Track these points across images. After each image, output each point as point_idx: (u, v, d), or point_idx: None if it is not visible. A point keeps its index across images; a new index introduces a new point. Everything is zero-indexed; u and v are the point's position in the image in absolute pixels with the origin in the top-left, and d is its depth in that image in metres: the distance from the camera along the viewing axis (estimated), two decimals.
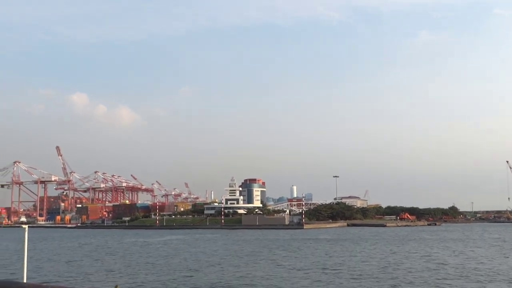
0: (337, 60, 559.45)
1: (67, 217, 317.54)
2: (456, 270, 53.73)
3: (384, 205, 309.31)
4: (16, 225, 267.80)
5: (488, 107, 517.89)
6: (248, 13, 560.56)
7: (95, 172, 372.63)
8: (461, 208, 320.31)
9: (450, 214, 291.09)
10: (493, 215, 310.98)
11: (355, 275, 50.46)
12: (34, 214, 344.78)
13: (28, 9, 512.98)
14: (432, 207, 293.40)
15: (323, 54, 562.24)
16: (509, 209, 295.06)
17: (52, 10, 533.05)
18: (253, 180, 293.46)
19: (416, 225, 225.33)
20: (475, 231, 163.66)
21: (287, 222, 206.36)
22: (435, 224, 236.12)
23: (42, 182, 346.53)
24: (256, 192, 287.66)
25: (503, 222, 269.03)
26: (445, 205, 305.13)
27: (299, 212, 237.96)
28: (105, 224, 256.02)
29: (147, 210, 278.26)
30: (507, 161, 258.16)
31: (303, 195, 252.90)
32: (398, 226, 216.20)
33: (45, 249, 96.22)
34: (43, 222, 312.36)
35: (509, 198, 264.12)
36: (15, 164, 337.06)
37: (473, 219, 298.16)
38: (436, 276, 48.85)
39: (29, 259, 70.46)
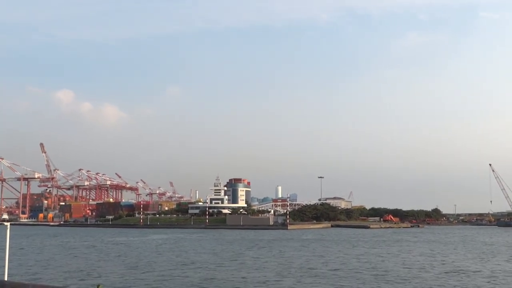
0: (329, 60, 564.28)
1: (50, 215, 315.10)
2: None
3: (368, 207, 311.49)
4: None
5: (475, 109, 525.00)
6: (242, 15, 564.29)
7: (79, 169, 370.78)
8: (444, 210, 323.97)
9: (433, 216, 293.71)
10: (475, 218, 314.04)
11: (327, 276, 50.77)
12: (17, 211, 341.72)
13: (16, 9, 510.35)
14: (415, 209, 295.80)
15: (316, 55, 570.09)
16: (491, 212, 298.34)
17: (41, 11, 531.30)
18: (238, 180, 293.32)
19: (399, 227, 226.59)
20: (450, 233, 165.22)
21: (271, 223, 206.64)
22: (418, 226, 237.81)
23: (25, 179, 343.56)
24: (241, 192, 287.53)
25: (485, 224, 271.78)
26: (429, 207, 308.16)
27: (284, 213, 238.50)
28: (89, 223, 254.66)
29: (131, 209, 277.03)
30: (490, 164, 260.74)
31: (288, 196, 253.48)
32: (381, 227, 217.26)
33: (27, 247, 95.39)
34: (25, 220, 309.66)
35: (491, 201, 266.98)
36: None
37: (456, 221, 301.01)
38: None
39: (10, 257, 69.86)
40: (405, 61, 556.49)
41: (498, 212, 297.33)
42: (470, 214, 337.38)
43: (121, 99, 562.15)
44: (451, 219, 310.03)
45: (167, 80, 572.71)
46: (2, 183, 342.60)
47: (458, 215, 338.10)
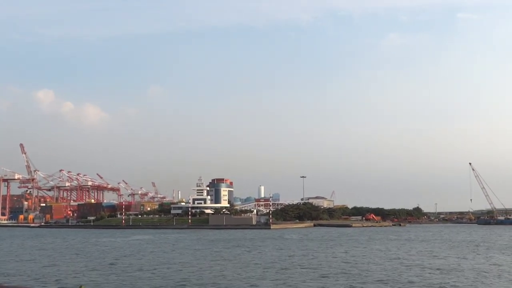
0: (315, 60, 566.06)
1: (31, 216, 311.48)
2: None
3: (350, 206, 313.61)
4: None
5: (456, 108, 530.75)
6: (228, 15, 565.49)
7: (60, 170, 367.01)
8: (425, 209, 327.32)
9: (414, 215, 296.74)
10: (455, 216, 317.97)
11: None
12: None
13: None
14: (397, 208, 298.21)
15: (302, 56, 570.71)
16: (471, 210, 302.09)
17: (21, 9, 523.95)
18: (221, 180, 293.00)
19: (381, 226, 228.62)
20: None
21: (254, 222, 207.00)
22: (400, 225, 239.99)
23: (4, 180, 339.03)
24: (224, 192, 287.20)
25: (465, 223, 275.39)
26: (410, 206, 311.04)
27: (266, 212, 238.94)
28: (70, 224, 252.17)
29: (113, 209, 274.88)
30: (470, 163, 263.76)
31: (271, 195, 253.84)
32: (363, 226, 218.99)
33: (6, 248, 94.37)
34: (5, 221, 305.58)
35: (471, 200, 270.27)
36: None
37: (437, 220, 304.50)
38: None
39: None
40: (390, 62, 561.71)
41: (478, 210, 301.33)
42: (450, 213, 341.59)
43: (103, 98, 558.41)
44: (432, 218, 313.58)
45: (149, 80, 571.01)
46: None
47: (439, 213, 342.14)
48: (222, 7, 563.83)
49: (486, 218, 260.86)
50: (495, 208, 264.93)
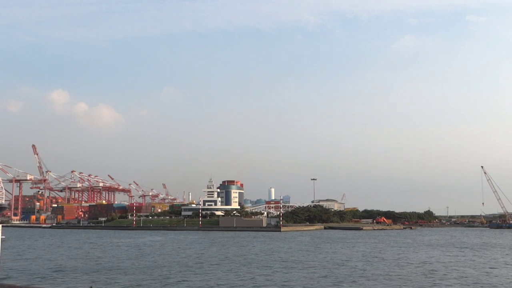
0: (322, 64, 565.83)
1: (42, 216, 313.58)
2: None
3: (361, 209, 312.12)
4: None
5: (468, 111, 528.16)
6: (232, 17, 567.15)
7: (72, 171, 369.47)
8: (436, 212, 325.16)
9: (425, 219, 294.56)
10: (467, 220, 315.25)
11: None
12: (9, 213, 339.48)
13: (12, 11, 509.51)
14: (408, 211, 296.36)
15: (310, 58, 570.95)
16: (483, 214, 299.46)
17: (36, 12, 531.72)
18: (231, 182, 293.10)
19: (392, 229, 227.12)
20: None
21: (264, 224, 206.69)
22: (411, 228, 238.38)
23: (17, 180, 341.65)
24: (234, 194, 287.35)
25: (477, 226, 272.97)
26: (421, 209, 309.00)
27: (277, 215, 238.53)
28: (81, 225, 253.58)
29: (124, 210, 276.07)
30: (482, 167, 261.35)
31: (281, 198, 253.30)
32: (374, 229, 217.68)
33: (19, 249, 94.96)
34: (17, 222, 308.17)
35: (483, 203, 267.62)
36: None
37: (448, 223, 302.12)
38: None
39: (2, 259, 69.58)
40: (401, 64, 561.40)
41: (490, 214, 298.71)
42: (462, 216, 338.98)
43: (116, 100, 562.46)
44: (444, 221, 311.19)
45: (162, 81, 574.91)
46: None
47: (451, 217, 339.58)
48: (228, 10, 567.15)
49: (498, 222, 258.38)
50: (507, 212, 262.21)
